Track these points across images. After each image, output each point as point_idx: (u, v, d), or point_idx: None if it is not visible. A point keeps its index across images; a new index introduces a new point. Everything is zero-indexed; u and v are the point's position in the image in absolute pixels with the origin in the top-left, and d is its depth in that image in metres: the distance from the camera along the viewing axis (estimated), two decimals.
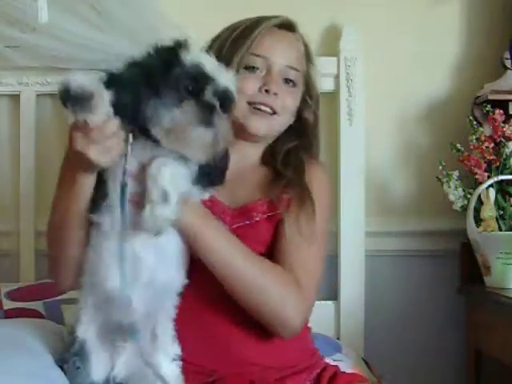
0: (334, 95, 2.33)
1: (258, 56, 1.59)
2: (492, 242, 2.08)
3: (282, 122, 1.64)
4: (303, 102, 1.68)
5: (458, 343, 2.34)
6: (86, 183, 1.33)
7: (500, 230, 2.12)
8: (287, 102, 1.62)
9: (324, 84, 2.31)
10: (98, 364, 1.42)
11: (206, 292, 1.48)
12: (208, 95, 1.29)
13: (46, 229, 1.53)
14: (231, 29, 1.65)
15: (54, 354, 1.53)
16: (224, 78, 1.31)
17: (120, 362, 1.44)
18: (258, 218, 1.56)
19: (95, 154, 1.24)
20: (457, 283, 2.31)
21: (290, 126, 1.67)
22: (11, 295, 2.06)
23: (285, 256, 1.52)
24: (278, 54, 1.61)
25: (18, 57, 2.19)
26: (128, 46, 2.17)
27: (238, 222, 1.54)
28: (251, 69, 1.60)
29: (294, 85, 1.64)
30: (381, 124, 2.39)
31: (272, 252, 1.55)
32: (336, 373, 1.60)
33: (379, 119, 2.37)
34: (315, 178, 1.63)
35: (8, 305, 2.02)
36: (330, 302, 2.27)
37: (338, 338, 2.22)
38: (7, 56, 2.18)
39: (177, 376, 1.45)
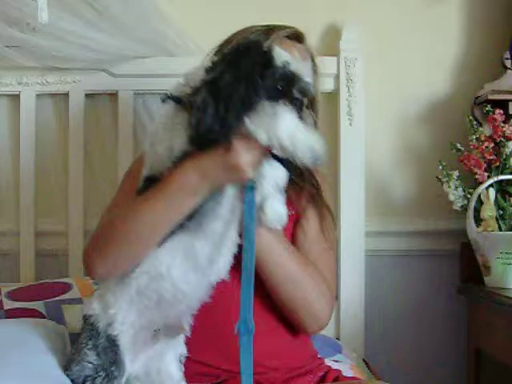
0: (334, 95, 2.32)
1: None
2: (492, 242, 2.08)
3: None
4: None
5: (458, 343, 2.34)
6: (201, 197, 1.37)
7: (500, 229, 2.12)
8: None
9: (324, 84, 2.31)
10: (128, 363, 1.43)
11: (217, 293, 1.48)
12: (296, 93, 1.34)
13: (119, 217, 1.48)
14: (242, 36, 1.64)
15: (56, 354, 1.54)
16: (305, 76, 1.38)
17: (140, 359, 1.45)
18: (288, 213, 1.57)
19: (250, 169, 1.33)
20: (457, 283, 2.31)
21: None
22: (12, 295, 2.05)
23: (313, 257, 1.60)
24: None
25: (18, 57, 2.18)
26: (128, 46, 2.18)
27: None
28: None
29: None
30: (381, 124, 2.39)
31: (297, 247, 1.62)
32: (338, 377, 1.62)
33: (379, 119, 2.37)
34: (324, 187, 1.72)
35: (8, 305, 2.01)
36: None
37: (337, 339, 2.21)
38: (7, 56, 2.18)
39: (181, 376, 1.47)
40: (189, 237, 1.38)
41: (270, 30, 1.63)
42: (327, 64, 2.28)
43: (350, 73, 2.29)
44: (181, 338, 1.47)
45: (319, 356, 1.70)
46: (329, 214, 1.68)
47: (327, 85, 2.31)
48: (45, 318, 1.93)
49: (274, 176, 1.37)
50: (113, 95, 2.30)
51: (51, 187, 2.32)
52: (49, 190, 2.32)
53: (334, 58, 2.30)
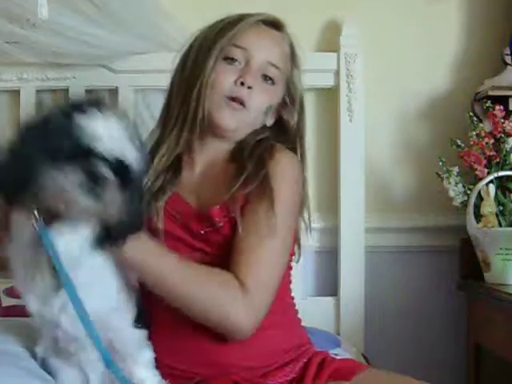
0: (334, 91, 2.33)
1: (238, 47, 1.53)
2: (492, 238, 2.08)
3: (252, 117, 1.56)
4: (283, 103, 1.63)
5: (458, 339, 2.34)
6: None
7: (500, 225, 2.12)
8: (258, 99, 1.55)
9: (324, 80, 2.32)
10: (68, 380, 1.42)
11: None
12: (97, 164, 1.17)
13: None
14: (217, 21, 1.60)
15: None
16: (127, 150, 1.19)
17: (94, 374, 1.43)
18: (221, 224, 1.49)
19: None
20: (456, 279, 2.31)
21: (270, 126, 1.62)
22: (10, 292, 2.05)
23: (238, 256, 1.45)
24: (260, 48, 1.55)
25: (18, 52, 2.19)
26: (128, 42, 2.18)
27: (204, 227, 1.49)
28: (230, 60, 1.54)
29: (273, 83, 1.57)
30: (381, 120, 2.39)
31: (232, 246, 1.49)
32: (325, 359, 1.54)
33: (379, 115, 2.38)
34: (280, 168, 1.52)
35: (7, 302, 2.01)
36: (329, 298, 2.27)
37: (337, 334, 2.22)
38: (7, 52, 2.18)
39: (158, 380, 1.42)
40: None
41: (245, 15, 1.58)
42: (327, 60, 2.30)
43: (350, 69, 2.29)
44: (135, 346, 1.41)
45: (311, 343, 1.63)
46: (267, 199, 1.47)
47: (327, 81, 2.32)
48: None
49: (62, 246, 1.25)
50: (113, 91, 2.30)
51: None
52: None
53: (334, 54, 2.30)
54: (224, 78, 1.53)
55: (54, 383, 1.41)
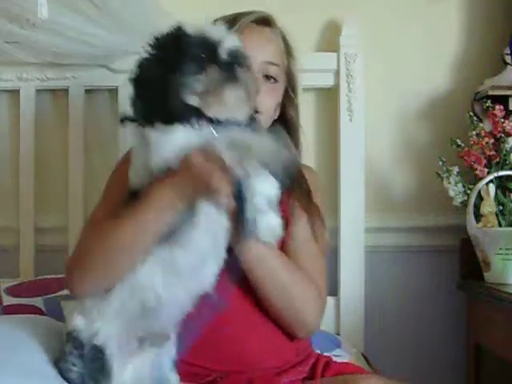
0: (334, 91, 2.33)
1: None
2: (492, 238, 2.08)
3: (266, 118, 1.62)
4: (287, 96, 1.68)
5: (458, 338, 2.34)
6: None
7: (500, 225, 2.12)
8: (269, 100, 1.61)
9: (324, 80, 2.33)
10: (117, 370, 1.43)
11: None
12: (223, 56, 1.34)
13: (98, 234, 1.46)
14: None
15: (54, 352, 1.54)
16: (230, 39, 1.37)
17: (129, 368, 1.45)
18: None
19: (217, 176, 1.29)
20: (456, 279, 2.31)
21: (277, 122, 1.67)
22: (11, 291, 2.06)
23: (302, 262, 1.59)
24: (257, 49, 1.58)
25: (18, 52, 2.19)
26: (127, 41, 2.18)
27: None
28: None
29: (276, 81, 1.63)
30: (381, 120, 2.39)
31: (285, 251, 1.59)
32: (328, 362, 1.62)
33: (379, 115, 2.38)
34: (315, 187, 1.71)
35: (8, 301, 2.02)
36: (329, 298, 2.25)
37: (337, 334, 2.22)
38: (7, 51, 2.18)
39: (177, 380, 1.48)
40: (169, 250, 1.36)
41: (236, 18, 1.62)
42: (327, 60, 2.31)
43: (350, 69, 2.29)
44: (172, 342, 1.47)
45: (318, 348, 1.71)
46: (319, 220, 1.66)
47: (327, 80, 2.32)
48: (44, 314, 1.94)
49: (265, 190, 1.34)
50: (113, 91, 2.30)
51: (51, 182, 2.32)
52: (48, 186, 2.32)
53: (334, 54, 2.30)
54: None
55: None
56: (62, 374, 1.44)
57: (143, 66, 1.37)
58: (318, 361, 1.62)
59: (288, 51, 1.68)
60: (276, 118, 1.67)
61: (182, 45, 1.34)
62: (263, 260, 1.49)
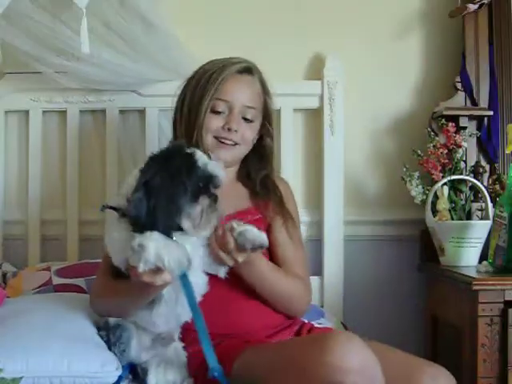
0: (318, 112, 2.33)
1: (221, 100, 1.62)
2: (446, 229, 2.09)
3: (243, 149, 1.68)
4: (264, 128, 1.71)
5: (418, 311, 2.34)
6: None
7: (452, 219, 2.13)
8: (246, 135, 1.66)
9: (310, 102, 2.33)
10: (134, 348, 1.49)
11: (222, 281, 1.51)
12: (212, 189, 1.39)
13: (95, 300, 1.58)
14: (201, 72, 1.67)
15: (92, 321, 1.56)
16: (219, 173, 1.40)
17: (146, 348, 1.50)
18: (256, 217, 1.62)
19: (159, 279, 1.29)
20: (417, 262, 2.32)
21: (254, 151, 1.71)
22: (59, 272, 2.07)
23: (289, 261, 1.63)
24: (238, 96, 1.63)
25: (65, 80, 2.19)
26: (152, 71, 2.19)
27: None
28: (217, 112, 1.63)
29: (252, 121, 1.66)
30: (357, 135, 2.39)
31: (272, 253, 1.64)
32: (312, 327, 1.65)
33: (355, 130, 2.37)
34: (287, 195, 1.74)
35: (56, 281, 2.03)
36: (315, 277, 2.27)
37: (322, 306, 2.23)
38: (56, 80, 2.19)
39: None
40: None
41: (223, 67, 1.64)
42: (313, 86, 2.31)
43: (332, 93, 2.29)
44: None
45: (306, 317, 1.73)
46: (291, 220, 1.68)
47: (313, 103, 2.32)
48: (85, 292, 1.95)
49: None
50: (141, 111, 2.32)
51: (92, 184, 2.33)
52: (90, 187, 2.33)
53: (319, 82, 2.31)
54: (214, 125, 1.63)
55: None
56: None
57: (160, 175, 1.34)
58: (302, 326, 1.64)
59: (265, 92, 1.71)
60: (252, 147, 1.71)
61: (193, 173, 1.36)
62: (261, 274, 1.53)
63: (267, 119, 1.72)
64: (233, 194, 1.64)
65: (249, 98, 1.65)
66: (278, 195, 1.69)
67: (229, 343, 1.50)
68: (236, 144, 1.64)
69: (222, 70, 1.63)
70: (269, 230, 1.64)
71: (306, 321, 1.71)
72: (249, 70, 1.68)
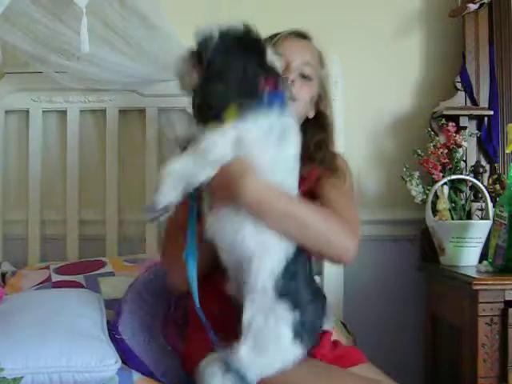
0: None
1: (279, 55, 1.51)
2: (446, 229, 2.10)
3: (300, 107, 1.58)
4: (321, 100, 1.65)
5: (418, 310, 2.35)
6: None
7: (452, 218, 2.13)
8: (304, 93, 1.58)
9: None
10: None
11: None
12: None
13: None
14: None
15: (92, 316, 1.57)
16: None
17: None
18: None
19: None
20: (417, 262, 2.33)
21: (313, 121, 1.64)
22: (59, 270, 2.08)
23: (330, 203, 1.50)
24: (294, 54, 1.58)
25: (65, 80, 2.19)
26: (152, 71, 2.19)
27: None
28: None
29: (310, 79, 1.60)
30: (357, 134, 2.39)
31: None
32: (337, 342, 1.63)
33: (356, 130, 2.38)
34: (343, 170, 1.64)
35: (55, 278, 2.03)
36: (316, 277, 2.26)
37: None
38: (57, 79, 2.19)
39: None
40: None
41: (276, 34, 1.63)
42: None
43: (333, 93, 2.27)
44: None
45: None
46: (338, 176, 1.59)
47: None
48: (84, 287, 1.96)
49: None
50: (141, 111, 2.32)
51: (92, 184, 2.33)
52: (90, 187, 2.33)
53: None
54: None
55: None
56: None
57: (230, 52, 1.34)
58: (324, 333, 1.52)
59: (321, 61, 1.66)
60: (312, 116, 1.64)
61: (260, 47, 1.37)
62: (263, 203, 1.33)
63: (323, 90, 1.66)
64: None
65: (305, 56, 1.60)
66: (332, 165, 1.61)
67: None
68: (293, 99, 1.51)
69: (278, 33, 1.62)
70: (317, 190, 1.54)
71: None
72: (303, 34, 1.64)
